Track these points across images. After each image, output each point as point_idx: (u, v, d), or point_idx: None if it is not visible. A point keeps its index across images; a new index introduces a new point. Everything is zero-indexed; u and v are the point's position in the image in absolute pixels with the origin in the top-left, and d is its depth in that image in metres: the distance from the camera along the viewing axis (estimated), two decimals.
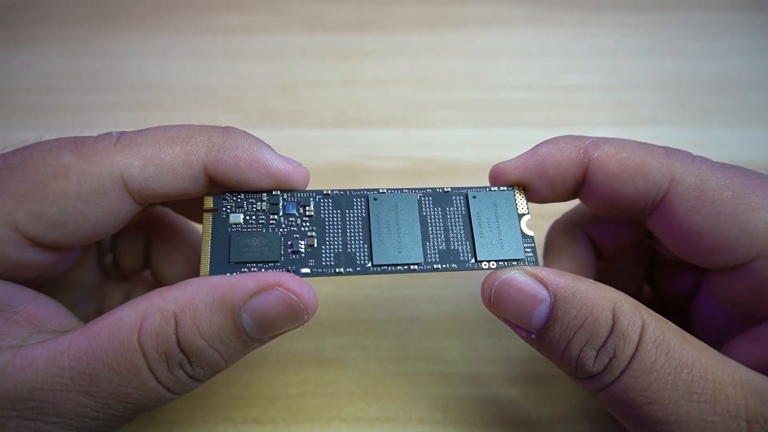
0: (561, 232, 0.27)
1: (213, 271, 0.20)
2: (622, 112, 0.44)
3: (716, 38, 0.50)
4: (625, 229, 0.26)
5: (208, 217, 0.21)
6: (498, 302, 0.21)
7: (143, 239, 0.27)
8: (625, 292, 0.29)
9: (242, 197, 0.22)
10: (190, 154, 0.20)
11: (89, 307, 0.26)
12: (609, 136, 0.23)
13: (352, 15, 0.52)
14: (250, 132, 0.22)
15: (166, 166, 0.20)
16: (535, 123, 0.43)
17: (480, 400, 0.29)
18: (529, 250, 0.22)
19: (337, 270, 0.21)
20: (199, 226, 0.26)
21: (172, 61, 0.48)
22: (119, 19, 0.52)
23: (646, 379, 0.18)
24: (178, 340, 0.18)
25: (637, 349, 0.19)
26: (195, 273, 0.25)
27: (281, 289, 0.19)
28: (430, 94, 0.45)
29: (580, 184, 0.23)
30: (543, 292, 0.20)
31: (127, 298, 0.28)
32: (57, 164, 0.19)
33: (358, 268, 0.21)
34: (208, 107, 0.44)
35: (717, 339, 0.25)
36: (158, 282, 0.27)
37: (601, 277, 0.27)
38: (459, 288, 0.33)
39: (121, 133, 0.21)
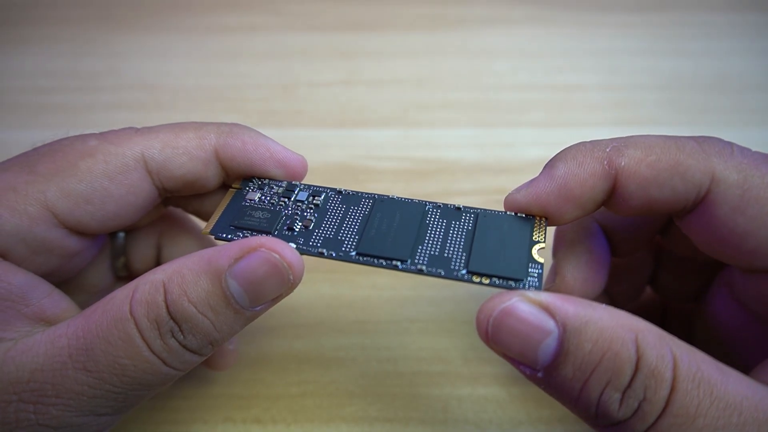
0: (575, 224, 0.25)
1: (214, 230, 0.22)
2: (621, 112, 0.44)
3: (716, 38, 0.50)
4: (642, 223, 0.25)
5: (231, 192, 0.23)
6: (497, 336, 0.18)
7: (155, 243, 0.27)
8: (630, 292, 0.28)
9: (265, 181, 0.24)
10: (203, 138, 0.23)
11: None
12: (608, 136, 0.22)
13: (352, 15, 0.52)
14: None
15: (181, 148, 0.22)
16: (534, 123, 0.43)
17: (480, 400, 0.29)
18: (534, 275, 0.20)
19: (319, 251, 0.21)
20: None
21: (172, 61, 0.48)
22: (119, 19, 0.52)
23: (693, 427, 0.16)
24: (167, 307, 0.18)
25: (673, 389, 0.16)
26: None
27: (264, 249, 0.19)
28: (430, 94, 0.45)
29: (609, 196, 0.20)
30: (549, 323, 0.17)
31: None
32: (84, 147, 0.21)
33: (341, 254, 0.21)
34: (208, 107, 0.44)
35: (730, 341, 0.24)
36: None
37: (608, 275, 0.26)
38: (459, 288, 0.33)
39: (141, 127, 0.23)
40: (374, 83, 0.46)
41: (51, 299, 0.20)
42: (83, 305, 0.22)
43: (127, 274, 0.28)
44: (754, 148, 0.20)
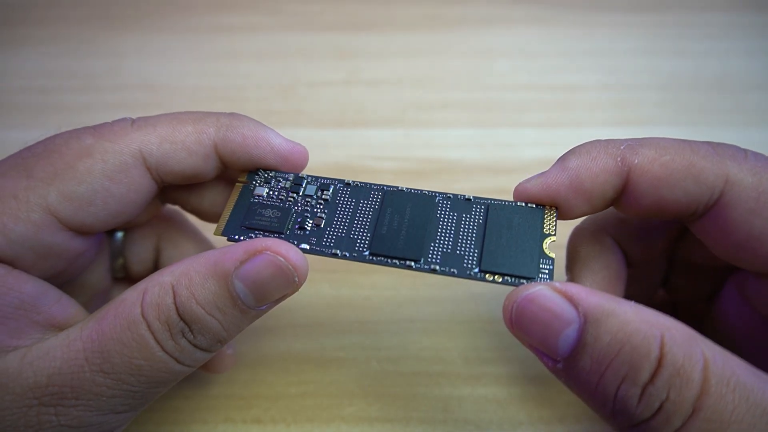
0: (589, 239, 0.24)
1: (225, 231, 0.22)
2: (621, 112, 0.44)
3: (716, 38, 0.50)
4: (656, 234, 0.24)
5: (238, 187, 0.23)
6: (520, 322, 0.18)
7: (154, 245, 0.27)
8: (643, 295, 0.28)
9: (272, 174, 0.23)
10: (201, 132, 0.22)
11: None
12: (608, 136, 0.22)
13: (352, 15, 0.52)
14: None
15: (180, 143, 0.22)
16: (535, 123, 0.43)
17: (480, 400, 0.29)
18: (545, 271, 0.19)
19: (333, 251, 0.21)
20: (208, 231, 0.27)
21: (172, 61, 0.48)
22: (119, 19, 0.52)
23: None
24: (177, 309, 0.19)
25: (703, 391, 0.15)
26: None
27: (269, 252, 0.19)
28: (430, 94, 0.45)
29: (619, 194, 0.20)
30: (572, 313, 0.17)
31: None
32: (80, 146, 0.21)
33: (355, 254, 0.21)
34: (208, 107, 0.44)
35: (739, 343, 0.24)
36: None
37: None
38: (459, 288, 0.33)
39: (136, 118, 0.22)
40: (374, 83, 0.46)
41: (60, 305, 0.20)
42: (84, 307, 0.22)
43: (123, 276, 0.28)
44: (754, 149, 0.20)
